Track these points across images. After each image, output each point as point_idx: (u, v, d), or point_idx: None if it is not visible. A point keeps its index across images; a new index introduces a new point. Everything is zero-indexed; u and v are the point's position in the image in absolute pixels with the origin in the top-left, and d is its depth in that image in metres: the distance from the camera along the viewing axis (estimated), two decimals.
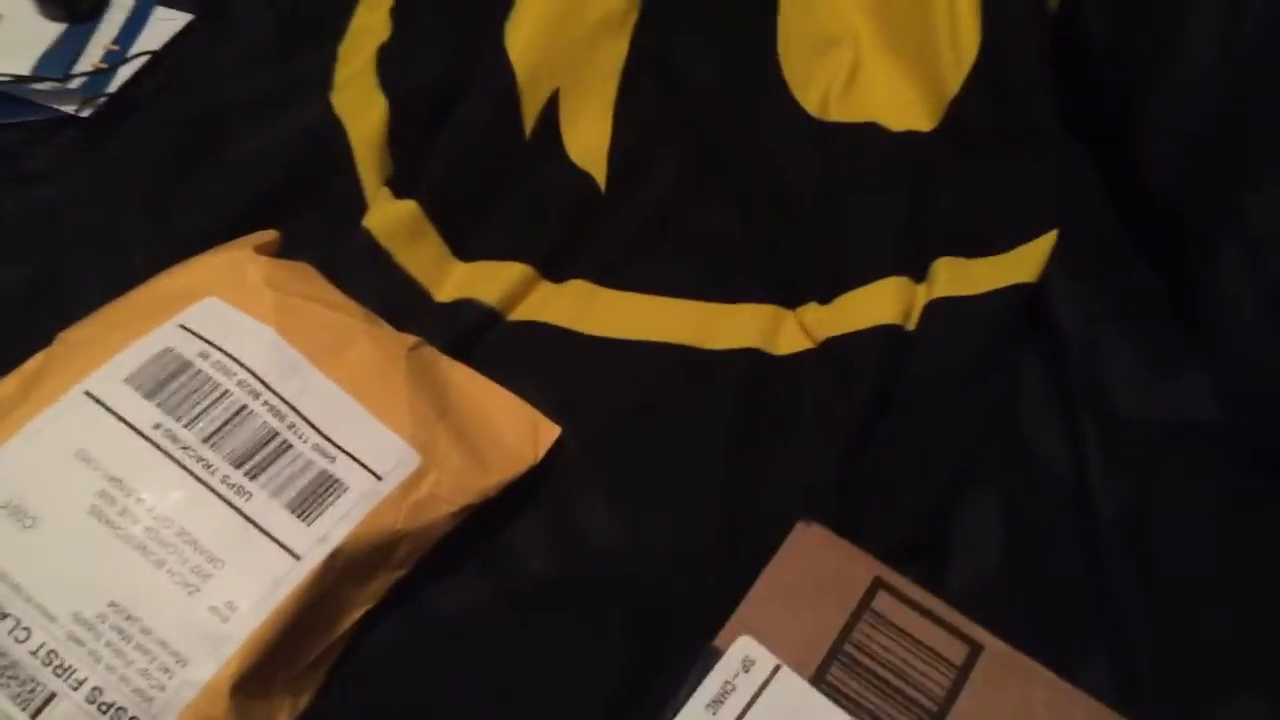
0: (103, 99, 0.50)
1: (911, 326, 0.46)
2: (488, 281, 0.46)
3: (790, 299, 0.48)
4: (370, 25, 0.55)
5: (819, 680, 0.32)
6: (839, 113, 0.53)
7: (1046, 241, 0.47)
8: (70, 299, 0.40)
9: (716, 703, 0.31)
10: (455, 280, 0.47)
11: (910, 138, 0.52)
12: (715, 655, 0.33)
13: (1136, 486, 0.41)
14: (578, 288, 0.48)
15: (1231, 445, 0.42)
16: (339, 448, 0.36)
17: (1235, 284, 0.44)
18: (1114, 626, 0.38)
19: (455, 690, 0.36)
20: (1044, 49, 0.54)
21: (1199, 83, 0.46)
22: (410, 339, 0.41)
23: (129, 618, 0.31)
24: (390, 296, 0.45)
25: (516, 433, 0.41)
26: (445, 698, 0.36)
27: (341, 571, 0.34)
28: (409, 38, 0.53)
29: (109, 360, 0.36)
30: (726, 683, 0.32)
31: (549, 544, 0.40)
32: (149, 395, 0.35)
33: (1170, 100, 0.47)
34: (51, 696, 0.30)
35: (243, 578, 0.33)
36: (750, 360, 0.45)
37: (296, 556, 0.33)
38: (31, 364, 0.37)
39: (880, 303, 0.46)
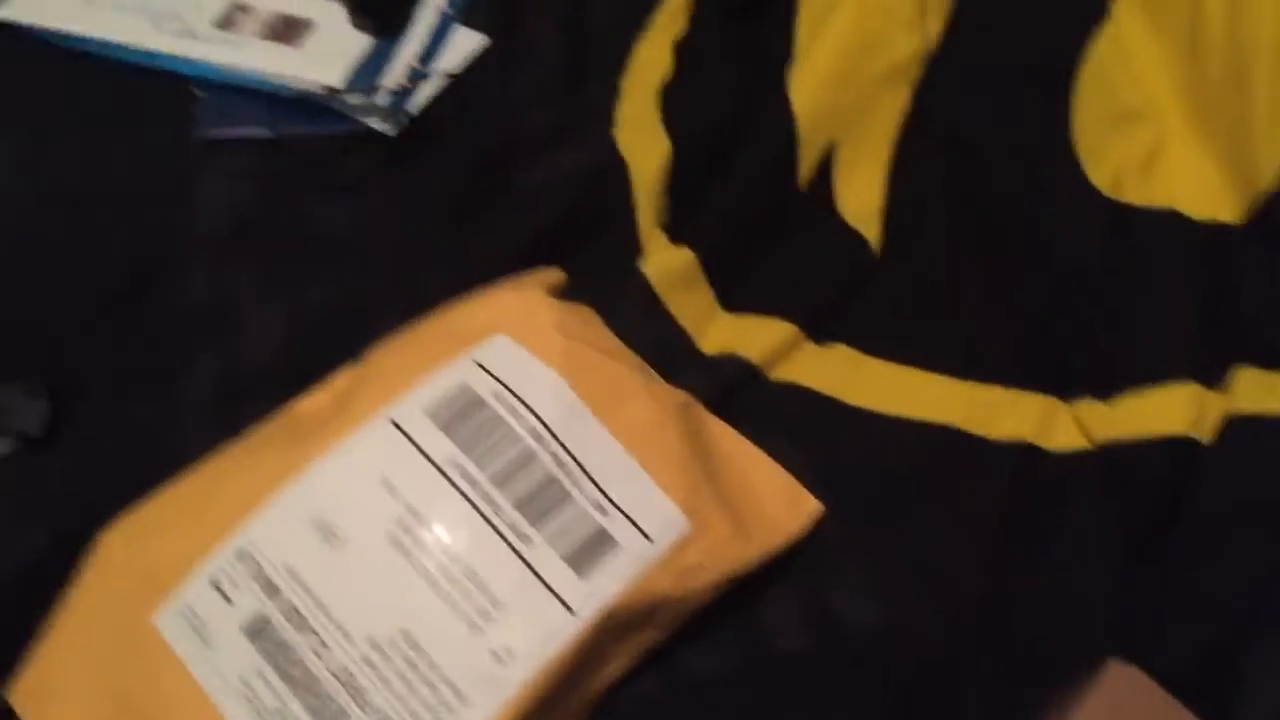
0: (406, 117, 0.52)
1: (1205, 439, 0.43)
2: (752, 337, 0.46)
3: (1066, 391, 0.46)
4: (652, 58, 0.56)
5: None
6: (1134, 194, 0.50)
7: None
8: (374, 316, 0.42)
9: None
10: (721, 332, 0.47)
11: (1214, 229, 0.48)
12: None
13: None
14: (842, 353, 0.47)
15: None
16: (614, 503, 0.37)
17: None
18: None
19: None
20: None
21: None
22: (682, 395, 0.41)
23: (418, 648, 0.33)
24: (659, 344, 0.45)
25: (779, 505, 0.41)
26: None
27: (611, 630, 0.35)
28: (694, 77, 0.53)
29: (412, 389, 0.37)
30: None
31: (803, 622, 0.39)
32: (446, 429, 0.37)
33: None
34: (343, 715, 0.32)
35: (522, 625, 0.34)
36: (1023, 452, 0.44)
37: (572, 611, 0.34)
38: (342, 380, 0.40)
39: (1171, 410, 0.43)
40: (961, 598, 0.40)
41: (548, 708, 0.34)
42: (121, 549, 0.35)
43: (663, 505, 0.37)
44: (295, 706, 0.32)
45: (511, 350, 0.39)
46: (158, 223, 0.47)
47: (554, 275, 0.44)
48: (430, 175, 0.50)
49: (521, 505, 0.36)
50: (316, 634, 0.33)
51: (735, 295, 0.48)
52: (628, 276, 0.46)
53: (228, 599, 0.34)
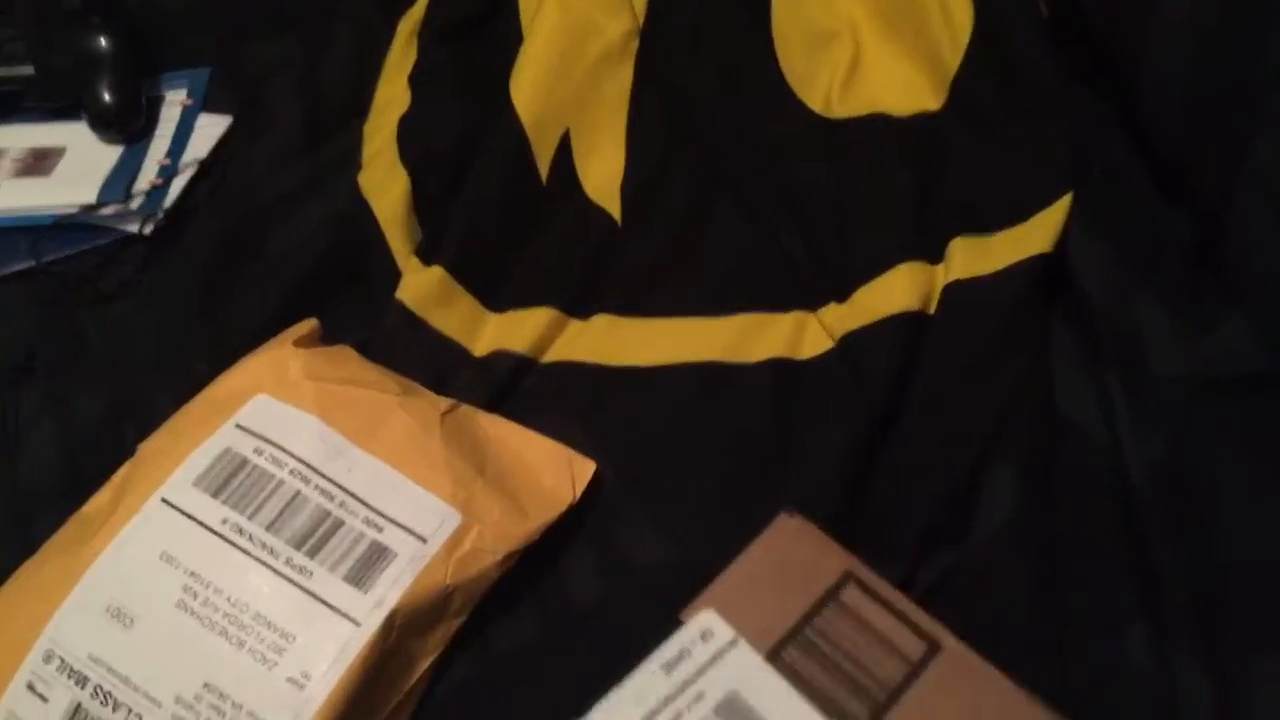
0: (161, 213, 0.55)
1: (932, 310, 0.47)
2: (518, 330, 0.49)
3: (811, 302, 0.49)
4: (391, 97, 0.58)
5: (774, 657, 0.34)
6: (843, 108, 0.54)
7: (1060, 208, 0.47)
8: (148, 412, 0.45)
9: (670, 665, 0.34)
10: (490, 333, 0.50)
11: (921, 120, 0.52)
12: (677, 625, 0.35)
13: (1171, 444, 0.42)
14: (602, 322, 0.50)
15: (1269, 393, 0.42)
16: (386, 517, 0.40)
17: (1257, 228, 0.44)
18: (1151, 586, 0.39)
19: None
20: (1036, 13, 0.54)
21: (1184, 28, 0.46)
22: (445, 402, 0.45)
23: (221, 695, 0.36)
24: (431, 360, 0.48)
25: (554, 475, 0.44)
26: None
27: (401, 630, 0.38)
28: (424, 105, 0.56)
29: (180, 466, 0.40)
30: (684, 649, 0.35)
31: (597, 572, 0.43)
32: (215, 494, 0.40)
33: (1160, 49, 0.47)
34: None
35: (313, 648, 0.37)
36: (775, 370, 0.47)
37: (357, 623, 0.37)
38: (119, 475, 0.42)
39: (896, 291, 0.47)
40: (732, 521, 0.42)
41: (361, 712, 0.37)
42: None
43: (433, 505, 0.41)
44: None
45: (269, 406, 0.42)
46: None
47: (306, 326, 0.47)
48: (185, 263, 0.52)
49: (297, 543, 0.39)
50: (129, 708, 0.36)
51: (499, 296, 0.51)
52: (389, 306, 0.49)
53: (43, 698, 0.37)
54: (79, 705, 0.36)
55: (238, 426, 0.42)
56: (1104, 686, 0.38)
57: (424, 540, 0.40)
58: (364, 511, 0.40)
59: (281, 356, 0.44)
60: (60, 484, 0.43)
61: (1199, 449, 0.42)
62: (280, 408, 0.42)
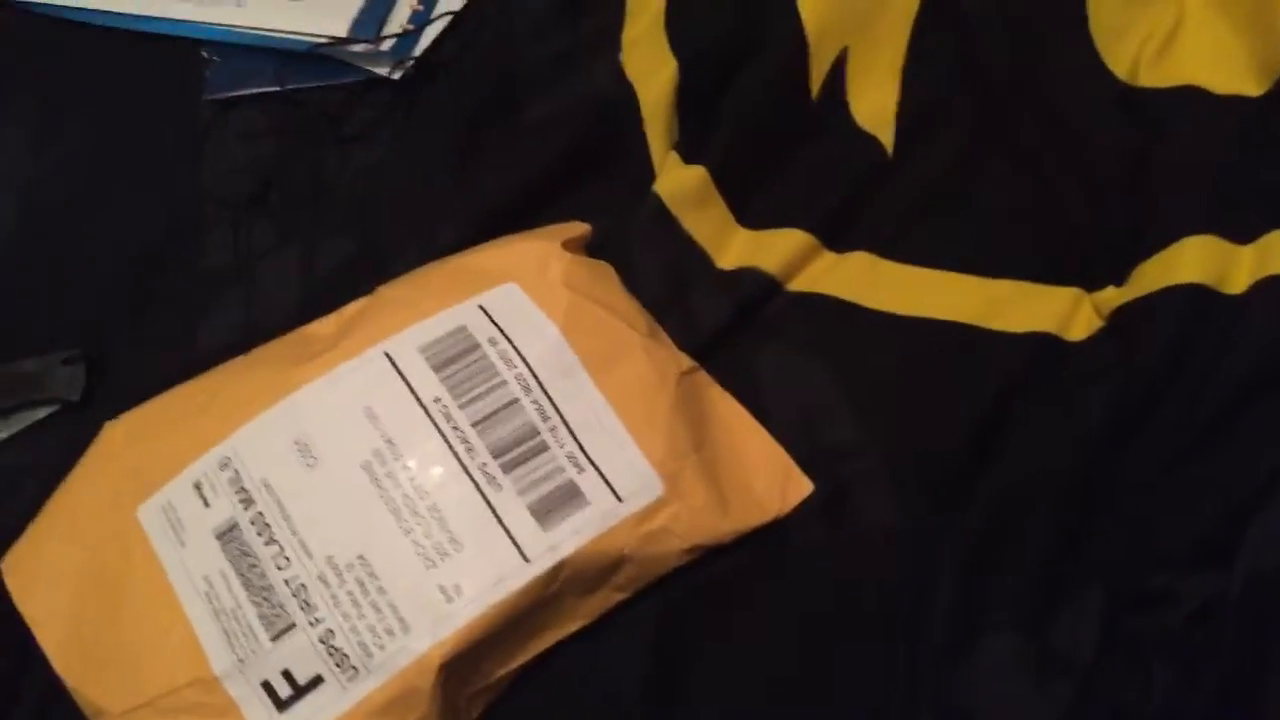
0: (410, 61, 0.52)
1: (1232, 291, 0.41)
2: (769, 250, 0.46)
3: (1090, 280, 0.44)
4: None
5: None
6: (1152, 78, 0.48)
7: None
8: (389, 263, 0.43)
9: None
10: (738, 247, 0.46)
11: (1237, 101, 0.46)
12: None
13: None
14: (860, 259, 0.46)
15: None
16: (590, 460, 0.37)
17: None
18: None
19: None
20: None
21: None
22: (686, 362, 0.41)
23: (371, 574, 0.34)
24: (677, 263, 0.45)
25: (768, 480, 0.40)
26: None
27: (564, 582, 0.35)
28: None
29: (412, 325, 0.38)
30: None
31: (821, 516, 0.40)
32: (438, 368, 0.37)
33: None
34: (291, 626, 0.34)
35: (475, 566, 0.34)
36: (1040, 344, 0.43)
37: (527, 559, 0.35)
38: (351, 308, 0.41)
39: (1183, 262, 0.42)
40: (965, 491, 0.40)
41: (494, 649, 0.35)
42: (121, 442, 0.38)
43: (640, 466, 0.37)
44: (249, 611, 0.34)
45: (517, 299, 0.40)
46: (177, 187, 0.49)
47: (578, 229, 0.44)
48: (437, 118, 0.50)
49: (497, 451, 0.36)
50: (280, 546, 0.34)
51: (751, 210, 0.47)
52: (643, 199, 0.46)
53: (206, 502, 0.35)
54: (235, 524, 0.35)
55: (480, 308, 0.39)
56: None
57: (620, 499, 0.37)
58: (571, 445, 0.37)
59: (546, 251, 0.41)
60: (292, 323, 0.41)
61: None
62: (528, 304, 0.39)
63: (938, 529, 0.39)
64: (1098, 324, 0.43)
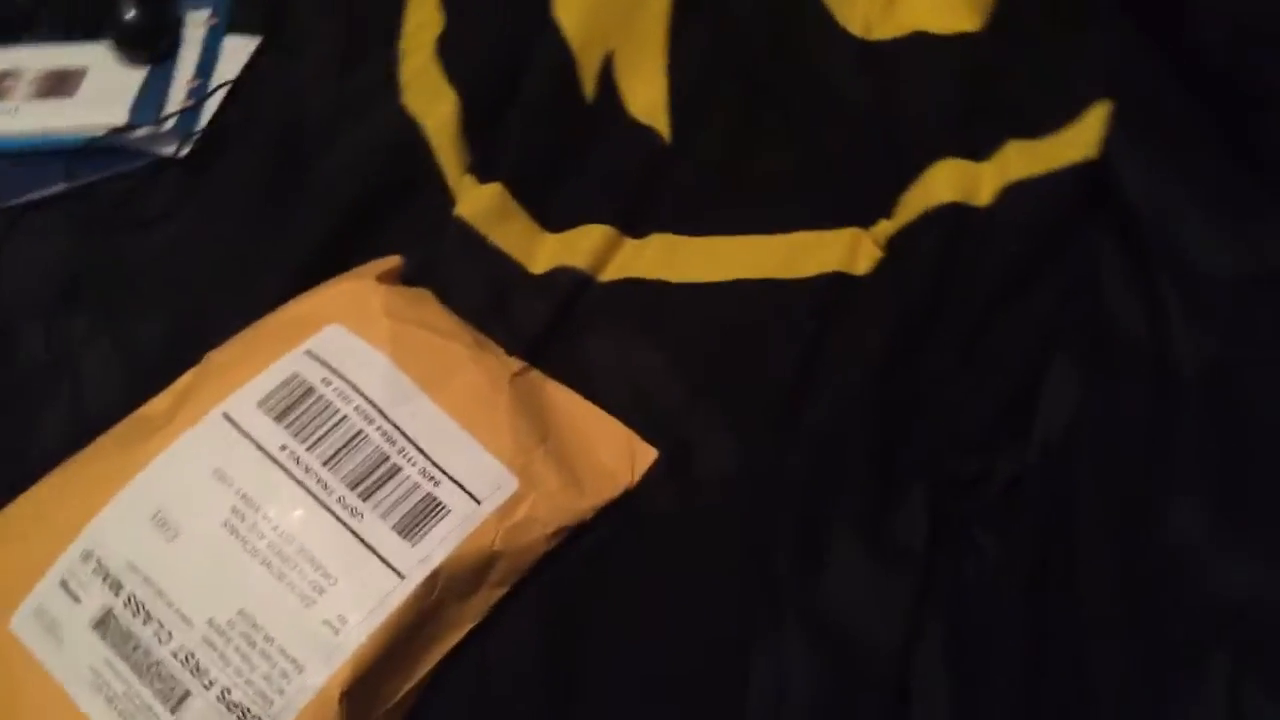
0: (196, 135, 0.53)
1: (980, 203, 0.47)
2: (575, 248, 0.49)
3: (864, 220, 0.49)
4: (423, 20, 0.57)
5: None
6: (883, 30, 0.53)
7: (1099, 113, 0.47)
8: (210, 336, 0.43)
9: None
10: (547, 251, 0.49)
11: (961, 38, 0.52)
12: None
13: (1220, 341, 0.42)
14: (660, 241, 0.50)
15: None
16: (444, 472, 0.39)
17: None
18: (1201, 473, 0.40)
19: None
20: None
21: None
22: (516, 364, 0.43)
23: (255, 625, 0.35)
24: (490, 276, 0.47)
25: (614, 455, 0.43)
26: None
27: (442, 590, 0.37)
28: (464, 24, 0.55)
29: (245, 384, 0.39)
30: None
31: (671, 477, 0.43)
32: (278, 419, 0.39)
33: None
34: (187, 694, 0.34)
35: (353, 594, 0.36)
36: (832, 283, 0.48)
37: (401, 576, 0.36)
38: (182, 381, 0.42)
39: (936, 185, 0.47)
40: (793, 425, 0.44)
41: (390, 668, 0.36)
42: None
43: (491, 467, 0.40)
44: (143, 691, 0.34)
45: (343, 338, 0.41)
46: None
47: (391, 262, 0.46)
48: (232, 186, 0.51)
49: (352, 483, 0.38)
50: (159, 622, 0.35)
51: (552, 214, 0.50)
52: (449, 224, 0.48)
53: (75, 598, 0.36)
54: (110, 611, 0.35)
55: (308, 353, 0.40)
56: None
57: (478, 501, 0.39)
58: (422, 462, 0.39)
59: (362, 288, 0.43)
60: (122, 412, 0.42)
61: (1250, 345, 0.42)
62: (354, 341, 0.41)
63: (774, 464, 0.43)
64: (878, 255, 0.48)
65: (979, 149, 0.48)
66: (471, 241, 0.48)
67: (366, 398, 0.39)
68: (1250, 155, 0.46)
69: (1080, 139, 0.47)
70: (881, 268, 0.48)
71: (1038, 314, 0.45)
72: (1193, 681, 0.38)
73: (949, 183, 0.47)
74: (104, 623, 0.35)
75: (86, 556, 0.36)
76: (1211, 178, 0.46)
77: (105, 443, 0.40)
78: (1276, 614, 0.39)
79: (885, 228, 0.48)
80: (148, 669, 0.35)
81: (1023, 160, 0.47)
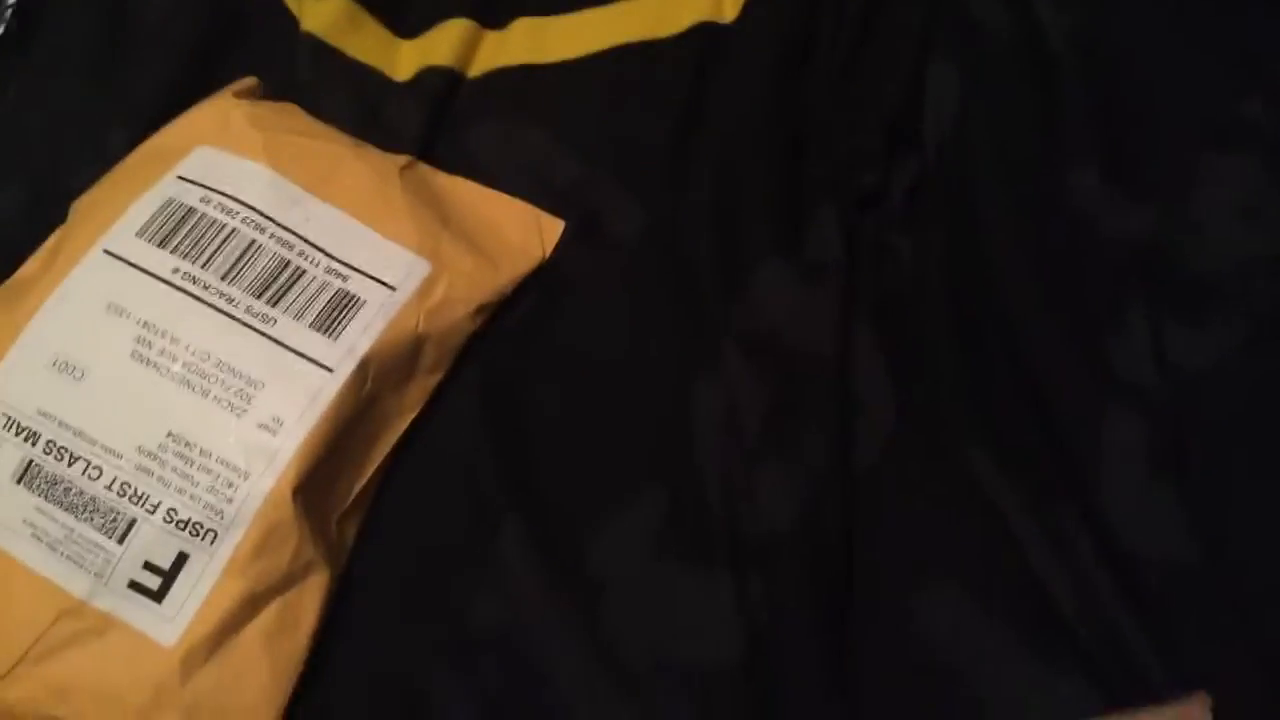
0: (8, 11, 0.49)
1: None
2: (437, 48, 0.47)
3: None
4: None
5: None
6: None
7: None
8: (76, 191, 0.40)
9: None
10: (408, 57, 0.47)
11: None
12: None
13: (1082, 8, 0.44)
14: (522, 25, 0.48)
15: None
16: (350, 266, 0.37)
17: None
18: (1091, 139, 0.42)
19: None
20: None
21: None
22: (402, 158, 0.42)
23: (188, 444, 0.34)
24: (357, 92, 0.45)
25: (522, 231, 0.42)
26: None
27: (375, 380, 0.36)
28: None
29: (119, 219, 0.37)
30: None
31: (582, 243, 0.43)
32: (163, 244, 0.37)
33: None
34: (134, 522, 0.33)
35: (283, 394, 0.35)
36: (704, 32, 0.47)
37: (329, 369, 0.35)
38: (52, 238, 0.39)
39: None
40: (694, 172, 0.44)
41: (336, 465, 0.36)
42: None
43: (399, 255, 0.38)
44: (84, 529, 0.33)
45: (214, 155, 0.39)
46: None
47: (247, 82, 0.43)
48: (58, 53, 0.47)
49: (257, 292, 0.36)
50: (86, 460, 0.34)
51: (405, 23, 0.48)
52: (297, 44, 0.46)
53: None
54: (30, 462, 0.34)
55: (180, 178, 0.38)
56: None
57: (392, 289, 0.37)
58: (326, 261, 0.37)
59: (223, 108, 0.41)
60: None
61: (1117, 15, 0.45)
62: (226, 157, 0.39)
63: (681, 209, 0.43)
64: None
65: None
66: (326, 56, 0.46)
67: (252, 208, 0.38)
68: None
69: None
70: (748, 9, 0.47)
71: (909, 24, 0.46)
72: (1119, 331, 0.40)
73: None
74: (26, 473, 0.34)
75: None
76: None
77: None
78: (1175, 251, 0.41)
79: None
80: (83, 507, 0.33)
81: None
